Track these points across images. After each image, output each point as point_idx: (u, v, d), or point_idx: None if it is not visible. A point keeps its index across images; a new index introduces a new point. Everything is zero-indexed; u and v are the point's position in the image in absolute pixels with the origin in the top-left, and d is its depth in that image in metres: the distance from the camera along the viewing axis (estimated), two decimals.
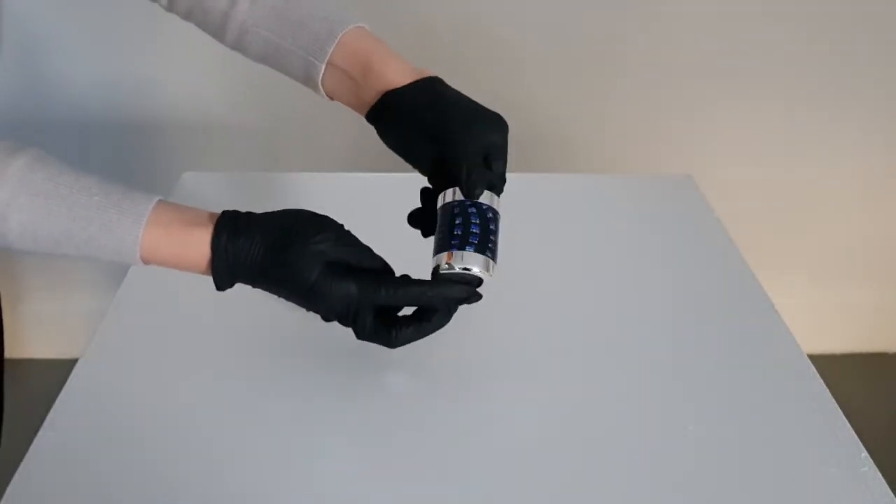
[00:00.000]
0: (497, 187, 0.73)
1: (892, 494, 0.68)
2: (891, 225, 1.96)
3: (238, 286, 0.69)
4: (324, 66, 0.76)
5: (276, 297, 0.69)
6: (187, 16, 0.82)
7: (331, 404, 0.75)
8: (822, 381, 0.80)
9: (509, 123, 0.75)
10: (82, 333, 0.88)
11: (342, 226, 0.69)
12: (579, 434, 0.73)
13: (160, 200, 0.67)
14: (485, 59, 1.73)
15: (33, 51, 1.66)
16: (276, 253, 0.66)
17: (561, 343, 0.79)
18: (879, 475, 0.70)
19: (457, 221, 0.69)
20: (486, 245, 0.68)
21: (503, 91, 1.77)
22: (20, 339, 1.90)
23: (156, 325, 0.86)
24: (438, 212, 0.71)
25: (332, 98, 0.79)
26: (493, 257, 0.69)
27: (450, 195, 0.71)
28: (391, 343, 0.69)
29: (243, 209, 0.68)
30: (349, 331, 0.69)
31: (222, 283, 0.67)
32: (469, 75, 1.76)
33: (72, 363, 0.80)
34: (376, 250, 0.69)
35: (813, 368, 0.81)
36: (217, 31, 0.81)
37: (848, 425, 0.75)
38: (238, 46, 0.81)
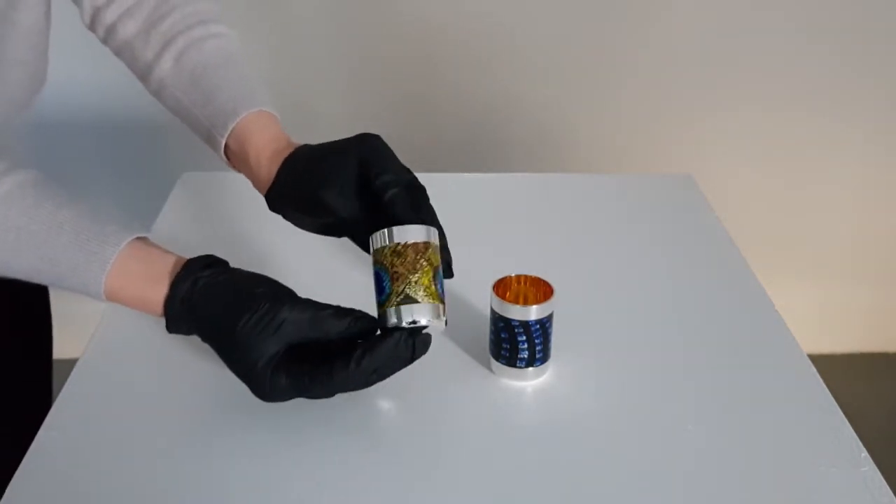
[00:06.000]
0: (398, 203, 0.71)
1: (892, 494, 0.68)
2: (890, 225, 1.96)
3: None
4: (224, 142, 0.78)
5: None
6: (118, 53, 0.86)
7: (334, 403, 0.75)
8: (822, 381, 0.80)
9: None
10: (82, 333, 0.89)
11: (295, 302, 0.67)
12: (579, 433, 0.73)
13: (130, 242, 0.67)
14: (486, 61, 1.73)
15: None
16: (219, 340, 0.67)
17: (560, 342, 0.79)
18: (879, 475, 0.70)
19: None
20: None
21: (504, 92, 1.77)
22: None
23: (155, 325, 0.86)
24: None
25: (236, 170, 0.81)
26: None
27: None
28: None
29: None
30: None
31: (177, 332, 0.70)
32: (471, 77, 1.77)
33: (72, 363, 0.80)
34: None
35: (813, 368, 0.81)
36: (141, 77, 0.85)
37: (848, 425, 0.75)
38: (157, 97, 0.84)
